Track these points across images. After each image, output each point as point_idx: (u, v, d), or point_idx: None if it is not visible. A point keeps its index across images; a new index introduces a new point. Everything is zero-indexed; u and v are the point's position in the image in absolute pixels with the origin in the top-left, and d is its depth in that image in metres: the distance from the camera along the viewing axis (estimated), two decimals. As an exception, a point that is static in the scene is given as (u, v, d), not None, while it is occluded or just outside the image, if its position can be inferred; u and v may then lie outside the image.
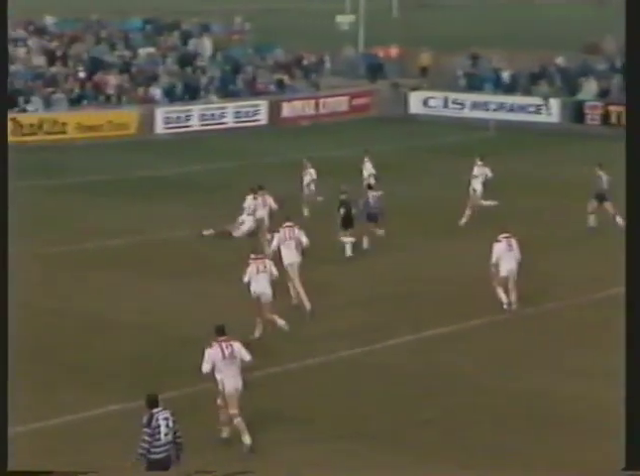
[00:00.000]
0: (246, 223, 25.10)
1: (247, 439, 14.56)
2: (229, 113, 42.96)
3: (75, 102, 40.40)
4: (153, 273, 22.91)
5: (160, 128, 41.23)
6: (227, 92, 44.05)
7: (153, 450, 12.69)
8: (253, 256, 18.89)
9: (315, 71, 48.24)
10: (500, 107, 45.11)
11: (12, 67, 40.07)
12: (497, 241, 20.43)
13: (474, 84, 47.03)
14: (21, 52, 41.36)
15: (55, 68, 41.26)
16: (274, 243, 20.70)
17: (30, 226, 26.56)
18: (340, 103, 46.64)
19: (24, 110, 38.71)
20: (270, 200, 24.62)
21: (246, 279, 18.66)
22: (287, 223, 20.82)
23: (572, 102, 44.36)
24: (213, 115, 42.57)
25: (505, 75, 46.77)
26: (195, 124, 42.04)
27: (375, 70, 51.15)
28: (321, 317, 19.95)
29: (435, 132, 38.34)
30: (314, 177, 27.87)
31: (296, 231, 20.69)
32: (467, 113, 45.16)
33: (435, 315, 20.29)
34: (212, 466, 13.93)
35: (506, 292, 20.35)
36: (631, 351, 11.91)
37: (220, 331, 14.75)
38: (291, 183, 28.69)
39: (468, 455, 14.54)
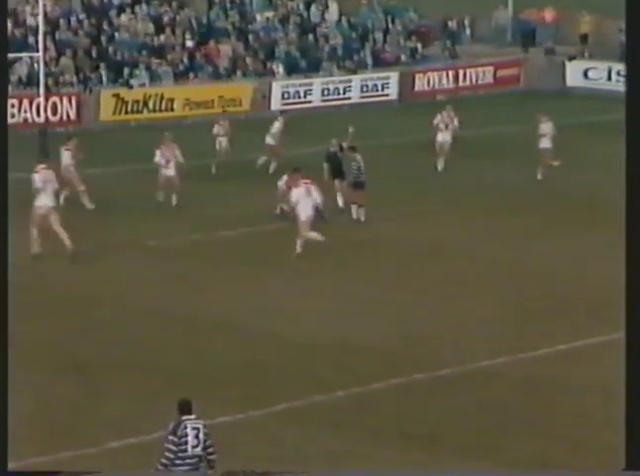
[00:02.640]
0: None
1: None
2: (354, 87, 43.21)
3: (183, 75, 41.21)
4: (268, 267, 23.34)
5: (276, 104, 41.70)
6: (352, 63, 44.33)
7: (178, 462, 12.73)
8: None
9: (454, 38, 48.10)
10: (673, 79, 44.20)
11: (115, 37, 41.31)
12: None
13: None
14: (125, 19, 42.36)
15: (162, 37, 42.09)
16: (294, 199, 24.34)
17: (137, 215, 27.35)
18: (484, 74, 46.45)
19: (129, 85, 39.57)
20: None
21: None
22: (305, 180, 24.49)
23: None
24: (336, 89, 42.90)
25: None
26: (316, 99, 42.45)
27: (527, 37, 50.66)
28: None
29: (597, 108, 37.83)
30: None
31: (313, 189, 24.34)
32: (633, 86, 44.39)
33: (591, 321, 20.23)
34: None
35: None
36: (631, 351, 12.24)
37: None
38: (425, 167, 28.82)
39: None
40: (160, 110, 39.59)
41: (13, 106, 36.51)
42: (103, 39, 41.16)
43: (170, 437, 12.83)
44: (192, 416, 12.93)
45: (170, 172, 28.15)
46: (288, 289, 22.22)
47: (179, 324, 20.28)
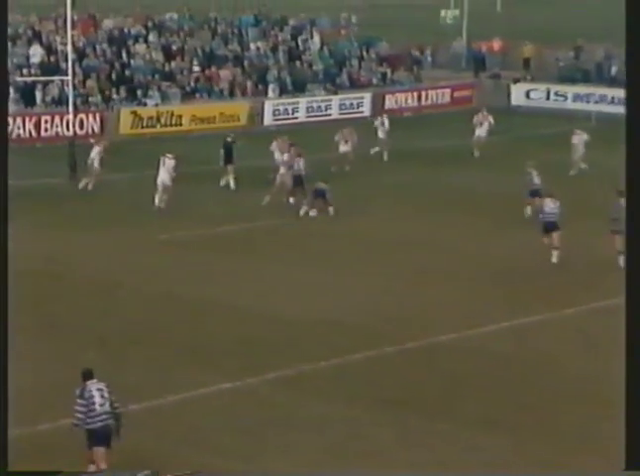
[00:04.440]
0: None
1: None
2: (334, 105, 43.11)
3: (189, 96, 41.03)
4: (263, 258, 23.24)
5: (268, 120, 41.59)
6: (332, 85, 44.19)
7: (89, 420, 12.78)
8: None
9: (418, 64, 47.99)
10: (602, 99, 44.25)
11: (132, 62, 41.11)
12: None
13: (575, 77, 46.21)
14: (140, 47, 42.11)
15: (172, 63, 41.90)
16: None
17: (147, 213, 27.21)
18: (442, 95, 46.31)
19: (144, 104, 39.45)
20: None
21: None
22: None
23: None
24: (319, 107, 42.77)
25: (607, 68, 45.85)
26: (302, 116, 42.30)
27: (478, 63, 50.62)
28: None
29: (537, 123, 37.86)
30: None
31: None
32: (569, 105, 44.40)
33: (528, 303, 20.15)
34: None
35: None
36: (631, 351, 11.71)
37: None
38: (400, 174, 28.68)
39: (562, 440, 14.44)
40: (171, 125, 39.38)
41: (46, 122, 36.48)
42: (122, 64, 40.96)
43: (79, 400, 12.91)
44: (94, 380, 13.03)
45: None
46: (279, 276, 22.10)
47: (187, 306, 20.15)
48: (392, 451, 14.19)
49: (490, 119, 35.14)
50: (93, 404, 12.85)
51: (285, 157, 29.06)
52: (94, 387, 12.96)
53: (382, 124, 34.81)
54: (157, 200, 27.65)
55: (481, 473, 13.61)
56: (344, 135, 32.92)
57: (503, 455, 14.05)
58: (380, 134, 34.62)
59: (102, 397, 12.91)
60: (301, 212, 27.02)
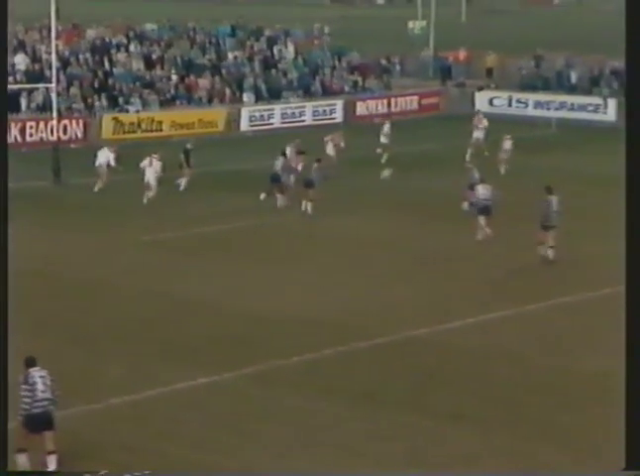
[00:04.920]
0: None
1: None
2: (307, 112, 43.03)
3: (169, 103, 40.83)
4: (240, 258, 23.10)
5: (245, 126, 41.45)
6: (306, 93, 44.10)
7: (32, 406, 12.71)
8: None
9: (387, 73, 48.01)
10: (562, 106, 44.50)
11: (114, 71, 40.85)
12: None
13: (536, 85, 46.41)
14: (121, 56, 41.85)
15: (153, 72, 41.70)
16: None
17: (132, 215, 27.03)
18: (410, 102, 46.34)
19: (125, 110, 39.22)
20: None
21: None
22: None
23: (628, 102, 43.55)
24: (293, 114, 42.68)
25: (567, 76, 46.08)
26: (277, 122, 42.18)
27: (444, 72, 50.72)
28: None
29: (500, 129, 37.84)
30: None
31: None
32: (530, 111, 44.55)
33: (493, 299, 20.12)
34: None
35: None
36: (631, 351, 11.50)
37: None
38: (363, 177, 28.55)
39: (528, 430, 14.39)
40: (151, 131, 39.14)
41: (31, 128, 36.21)
42: (104, 73, 40.68)
43: (24, 386, 12.81)
44: (37, 368, 12.91)
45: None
46: (254, 274, 21.97)
47: (166, 304, 19.97)
48: (363, 442, 14.09)
49: (485, 122, 35.72)
50: (36, 390, 12.78)
51: (294, 161, 29.14)
52: (37, 374, 12.87)
53: (384, 128, 35.38)
54: (145, 199, 28.02)
55: (482, 473, 13.46)
56: (333, 138, 32.83)
57: (470, 447, 13.99)
58: (383, 139, 35.09)
59: (44, 384, 12.82)
60: (303, 207, 26.95)
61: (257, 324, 18.78)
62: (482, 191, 24.47)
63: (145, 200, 27.95)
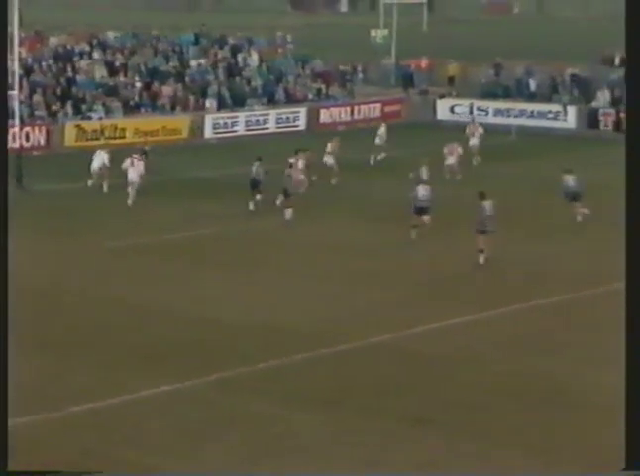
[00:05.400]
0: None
1: None
2: (271, 119, 42.94)
3: (133, 110, 40.59)
4: (206, 264, 22.96)
5: (209, 133, 41.29)
6: (270, 100, 44.01)
7: None
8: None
9: (350, 81, 48.08)
10: (521, 114, 44.83)
11: (77, 78, 40.53)
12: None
13: (497, 93, 46.73)
14: (85, 64, 41.54)
15: (116, 79, 41.44)
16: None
17: (97, 223, 26.81)
18: (373, 110, 46.43)
19: (88, 117, 38.96)
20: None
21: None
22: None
23: (587, 109, 44.05)
24: (257, 121, 42.58)
25: (526, 84, 46.45)
26: (241, 129, 42.06)
27: (407, 80, 50.89)
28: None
29: (460, 137, 38.03)
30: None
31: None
32: (490, 119, 44.82)
33: (458, 304, 20.15)
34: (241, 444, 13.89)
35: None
36: (631, 351, 11.42)
37: None
38: (331, 185, 28.48)
39: (492, 434, 14.39)
40: (114, 138, 38.85)
41: (-7, 134, 35.87)
42: (67, 80, 40.36)
43: None
44: None
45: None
46: (220, 280, 21.84)
47: (131, 310, 19.77)
48: (327, 448, 14.01)
49: (480, 129, 36.15)
50: None
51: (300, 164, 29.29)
52: None
53: (380, 132, 35.79)
54: (129, 200, 28.44)
55: (481, 473, 13.38)
56: (332, 146, 32.41)
57: (434, 451, 13.96)
58: (378, 140, 35.54)
59: None
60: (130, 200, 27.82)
61: (222, 331, 18.65)
62: (422, 193, 24.94)
63: (129, 201, 28.24)
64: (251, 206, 27.87)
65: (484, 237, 22.73)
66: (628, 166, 12.22)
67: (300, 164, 29.04)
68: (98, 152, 30.73)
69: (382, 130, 35.99)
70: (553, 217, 27.49)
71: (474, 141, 36.01)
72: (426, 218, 24.84)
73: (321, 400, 15.57)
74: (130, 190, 28.47)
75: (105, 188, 29.95)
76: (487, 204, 22.93)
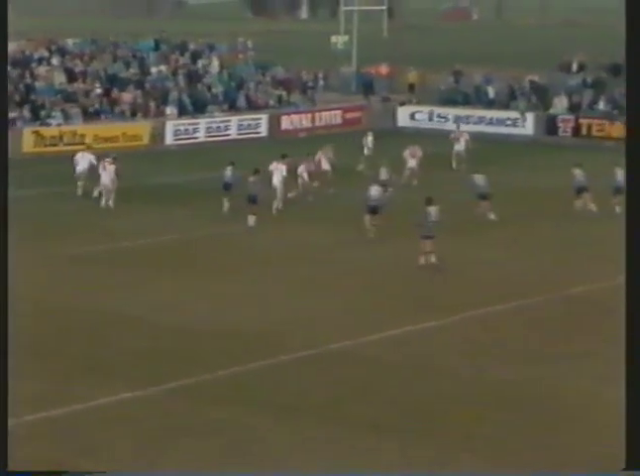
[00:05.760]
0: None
1: None
2: (232, 126, 42.84)
3: (93, 116, 40.30)
4: (164, 272, 22.82)
5: (169, 139, 41.12)
6: (231, 107, 43.91)
7: None
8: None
9: (311, 88, 48.11)
10: (480, 120, 45.09)
11: (35, 84, 40.16)
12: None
13: (456, 99, 47.00)
14: (43, 70, 41.19)
15: (75, 85, 41.14)
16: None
17: (55, 230, 26.56)
18: (334, 117, 46.50)
19: (46, 124, 38.61)
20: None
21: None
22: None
23: (545, 116, 44.44)
24: (218, 127, 42.46)
25: (485, 91, 46.76)
26: (202, 136, 41.92)
27: (367, 87, 51.01)
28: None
29: (420, 143, 38.23)
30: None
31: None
32: (450, 126, 45.03)
33: (413, 310, 20.19)
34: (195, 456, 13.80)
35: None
36: (631, 350, 11.32)
37: None
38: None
39: (447, 440, 14.42)
40: (74, 144, 38.46)
41: (-50, 141, 35.38)
42: (26, 86, 39.99)
43: None
44: None
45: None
46: (180, 287, 21.71)
47: (90, 318, 19.61)
48: (286, 454, 13.97)
49: (467, 136, 36.29)
50: None
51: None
52: None
53: (367, 140, 35.88)
54: (102, 202, 28.61)
55: (481, 473, 13.34)
56: (325, 152, 32.09)
57: (390, 457, 13.96)
58: (366, 151, 35.57)
59: None
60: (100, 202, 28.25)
61: (182, 338, 18.54)
62: (374, 193, 25.22)
63: (103, 204, 28.50)
64: (225, 208, 28.13)
65: (430, 242, 22.84)
66: (628, 165, 12.25)
67: (281, 170, 28.91)
68: (81, 154, 30.59)
69: (369, 139, 35.97)
70: (506, 223, 27.61)
71: (459, 147, 36.19)
72: (378, 217, 25.00)
73: (281, 406, 15.53)
74: (103, 194, 28.57)
75: (96, 193, 29.60)
76: (433, 209, 23.08)
